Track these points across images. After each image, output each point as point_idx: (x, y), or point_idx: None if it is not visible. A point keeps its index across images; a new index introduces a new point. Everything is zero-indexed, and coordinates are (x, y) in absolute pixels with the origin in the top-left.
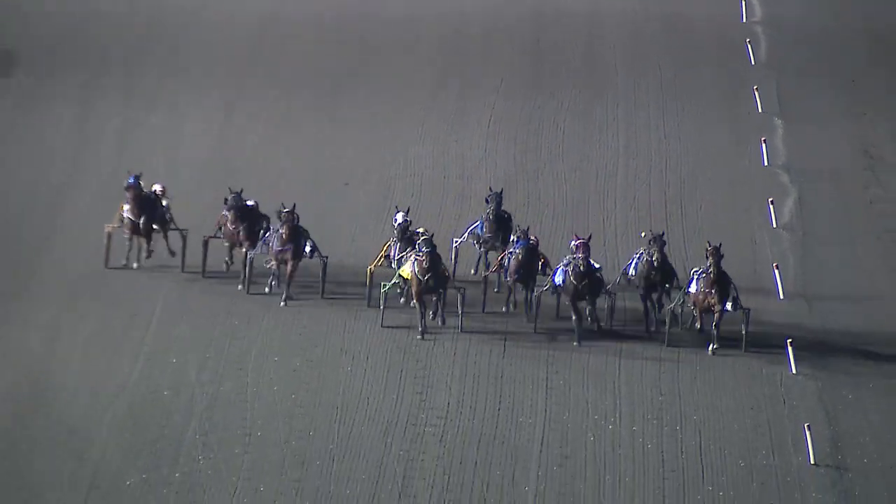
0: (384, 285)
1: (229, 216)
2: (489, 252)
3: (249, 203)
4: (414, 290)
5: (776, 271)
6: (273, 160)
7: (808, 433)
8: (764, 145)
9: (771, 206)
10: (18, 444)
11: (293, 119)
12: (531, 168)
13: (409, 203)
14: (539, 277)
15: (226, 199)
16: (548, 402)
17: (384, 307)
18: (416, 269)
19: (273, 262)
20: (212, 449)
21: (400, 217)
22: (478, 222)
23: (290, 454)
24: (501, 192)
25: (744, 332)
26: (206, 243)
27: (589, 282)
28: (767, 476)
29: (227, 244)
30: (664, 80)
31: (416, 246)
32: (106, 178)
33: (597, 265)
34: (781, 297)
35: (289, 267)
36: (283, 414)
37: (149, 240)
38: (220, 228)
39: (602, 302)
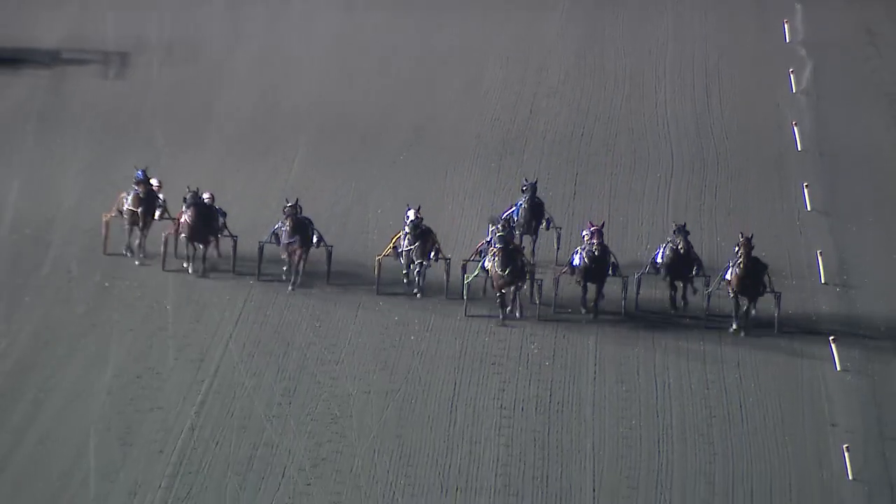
0: (468, 277)
1: (190, 214)
2: (523, 236)
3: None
4: (494, 282)
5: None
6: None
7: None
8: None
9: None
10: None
11: None
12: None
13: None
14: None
15: (184, 198)
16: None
17: (467, 298)
18: (496, 263)
19: (284, 254)
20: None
21: (412, 214)
22: (513, 209)
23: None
24: (536, 182)
25: (776, 315)
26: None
27: (601, 264)
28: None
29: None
30: None
31: (491, 242)
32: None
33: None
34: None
35: (296, 257)
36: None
37: (145, 229)
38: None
39: (624, 289)
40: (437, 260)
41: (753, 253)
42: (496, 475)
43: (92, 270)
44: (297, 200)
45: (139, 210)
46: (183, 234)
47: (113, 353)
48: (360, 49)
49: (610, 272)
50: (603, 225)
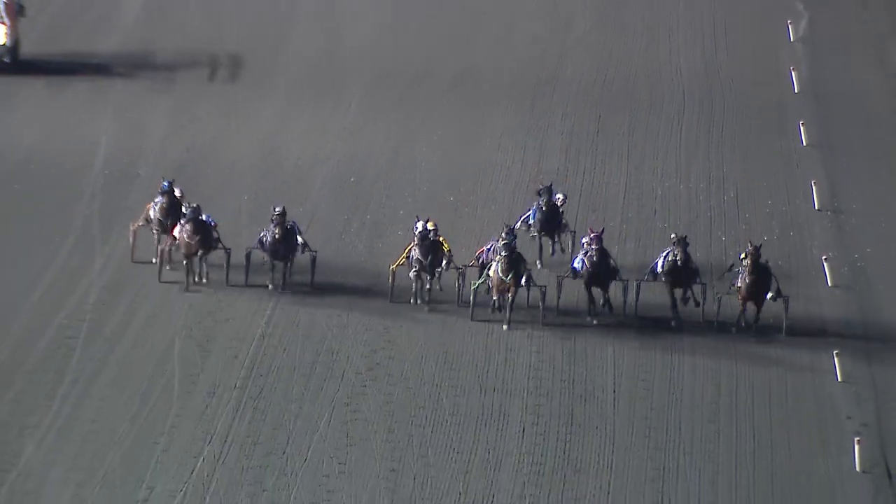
0: (474, 283)
1: (188, 229)
2: (541, 238)
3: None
4: (496, 287)
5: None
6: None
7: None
8: None
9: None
10: None
11: None
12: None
13: None
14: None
15: (183, 214)
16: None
17: (474, 303)
18: (499, 269)
19: (269, 261)
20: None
21: (420, 225)
22: (530, 211)
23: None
24: (552, 185)
25: (784, 318)
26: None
27: (603, 269)
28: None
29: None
30: None
31: (497, 249)
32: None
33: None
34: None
35: (283, 263)
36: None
37: (173, 238)
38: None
39: (624, 293)
40: (447, 269)
41: (754, 255)
42: (529, 378)
43: (190, 197)
44: (283, 208)
45: (167, 220)
46: (182, 251)
47: (179, 296)
48: (409, 3)
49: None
50: (602, 231)
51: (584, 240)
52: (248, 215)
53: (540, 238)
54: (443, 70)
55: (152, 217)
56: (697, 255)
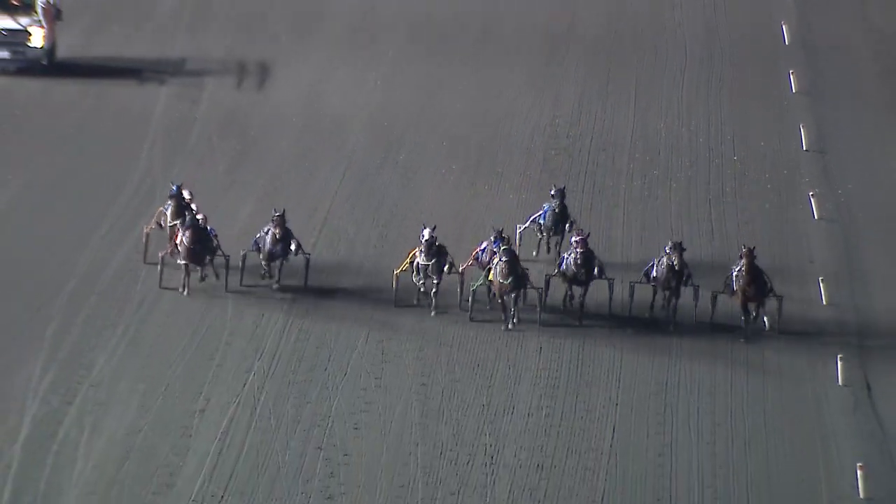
0: (473, 285)
1: (187, 237)
2: (550, 238)
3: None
4: (497, 290)
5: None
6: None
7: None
8: None
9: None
10: None
11: None
12: None
13: None
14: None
15: (184, 220)
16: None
17: (472, 304)
18: (499, 272)
19: (265, 262)
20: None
21: (426, 233)
22: (540, 212)
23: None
24: (564, 188)
25: (777, 318)
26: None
27: (586, 270)
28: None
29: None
30: None
31: (497, 253)
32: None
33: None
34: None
35: (278, 263)
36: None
37: (172, 236)
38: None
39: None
40: (450, 273)
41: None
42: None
43: (228, 138)
44: (283, 211)
45: (178, 222)
46: (180, 257)
47: (244, 207)
48: None
49: (596, 275)
50: (588, 235)
51: (573, 239)
52: (290, 161)
53: (548, 238)
54: (469, 26)
55: (164, 221)
56: (695, 203)
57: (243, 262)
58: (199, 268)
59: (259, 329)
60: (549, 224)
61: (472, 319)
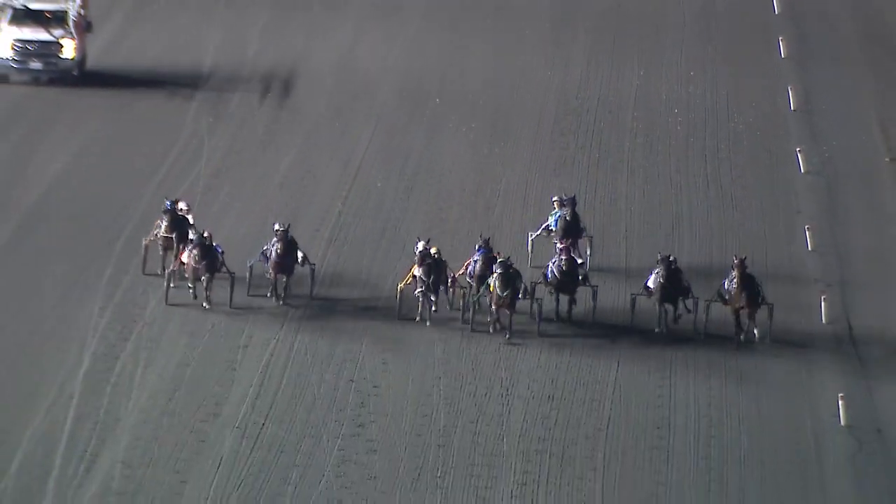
0: (474, 295)
1: (195, 255)
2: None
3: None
4: (493, 300)
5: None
6: None
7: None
8: None
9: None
10: None
11: None
12: None
13: None
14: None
15: (191, 238)
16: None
17: (473, 314)
18: (497, 285)
19: (271, 274)
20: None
21: (421, 245)
22: (551, 220)
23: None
24: (575, 197)
25: (769, 325)
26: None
27: (571, 278)
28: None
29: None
30: None
31: (493, 268)
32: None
33: (580, 260)
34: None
35: (284, 278)
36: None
37: (178, 252)
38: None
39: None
40: (451, 287)
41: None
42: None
43: (267, 101)
44: (287, 225)
45: (173, 235)
46: (188, 275)
47: (284, 159)
48: None
49: (581, 282)
50: (572, 243)
51: (558, 247)
52: (325, 120)
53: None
54: None
55: (160, 234)
56: (692, 158)
57: (250, 272)
58: (204, 281)
59: (295, 275)
60: (560, 232)
61: (472, 330)
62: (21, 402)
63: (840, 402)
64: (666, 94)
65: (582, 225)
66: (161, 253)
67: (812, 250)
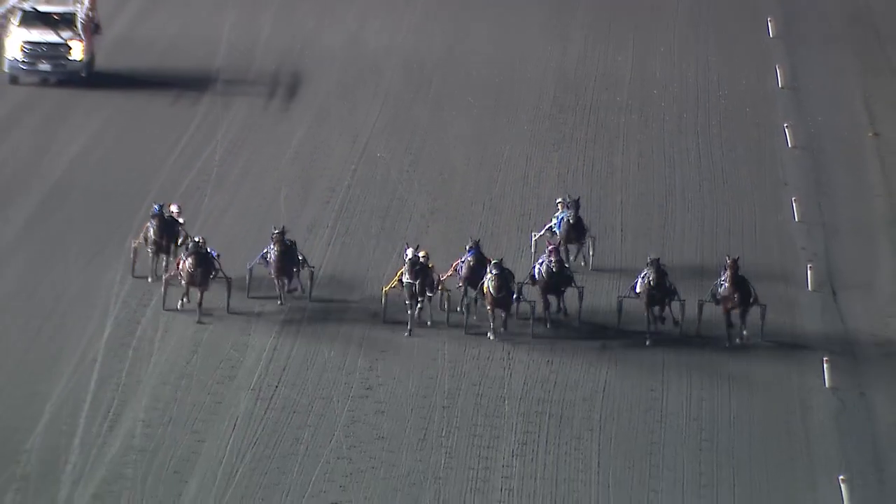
0: (467, 298)
1: (190, 262)
2: (567, 246)
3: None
4: (488, 302)
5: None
6: None
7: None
8: None
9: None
10: None
11: None
12: None
13: None
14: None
15: (187, 246)
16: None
17: (468, 317)
18: (491, 287)
19: (273, 276)
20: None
21: (410, 252)
22: (555, 221)
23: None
24: (579, 199)
25: (761, 324)
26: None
27: (559, 279)
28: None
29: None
30: None
31: (489, 269)
32: None
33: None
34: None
35: (285, 280)
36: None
37: (168, 255)
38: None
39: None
40: (435, 292)
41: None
42: None
43: (282, 77)
44: (283, 227)
45: (162, 240)
46: (184, 281)
47: (296, 134)
48: None
49: (568, 283)
50: (559, 244)
51: (549, 248)
52: (335, 96)
53: (566, 248)
54: None
55: (149, 238)
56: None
57: (250, 275)
58: (199, 291)
59: (307, 243)
60: (563, 234)
61: (466, 332)
62: (47, 366)
63: (825, 365)
64: (660, 73)
65: (586, 226)
66: (151, 257)
67: (799, 221)
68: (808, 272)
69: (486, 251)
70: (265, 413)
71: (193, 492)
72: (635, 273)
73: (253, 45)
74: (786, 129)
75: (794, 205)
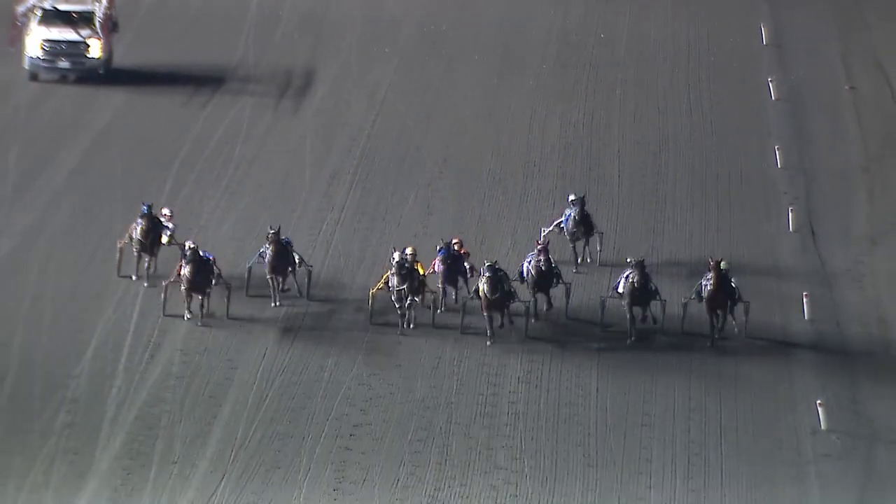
0: (464, 299)
1: (189, 269)
2: (575, 243)
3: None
4: (483, 304)
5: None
6: None
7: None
8: None
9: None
10: None
11: None
12: None
13: None
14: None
15: (185, 253)
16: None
17: (463, 317)
18: (485, 288)
19: (270, 275)
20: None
21: (397, 255)
22: (563, 218)
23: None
24: (584, 196)
25: (745, 321)
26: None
27: (547, 277)
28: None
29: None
30: None
31: (482, 270)
32: None
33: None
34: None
35: (281, 279)
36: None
37: (154, 256)
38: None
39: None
40: (421, 294)
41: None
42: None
43: (305, 36)
44: (279, 227)
45: (147, 240)
46: (182, 287)
47: (325, 82)
48: None
49: (555, 282)
50: (548, 243)
51: (538, 247)
52: (355, 55)
53: (574, 244)
54: None
55: (134, 237)
56: (676, 86)
57: (249, 274)
58: (200, 296)
59: (331, 188)
60: (570, 230)
61: (462, 332)
62: (93, 299)
63: (804, 300)
64: (654, 32)
65: (592, 222)
66: (135, 256)
67: (781, 167)
68: (790, 214)
69: (493, 196)
70: (292, 343)
71: (227, 415)
72: (632, 238)
73: (278, 5)
74: (770, 83)
75: (776, 152)
